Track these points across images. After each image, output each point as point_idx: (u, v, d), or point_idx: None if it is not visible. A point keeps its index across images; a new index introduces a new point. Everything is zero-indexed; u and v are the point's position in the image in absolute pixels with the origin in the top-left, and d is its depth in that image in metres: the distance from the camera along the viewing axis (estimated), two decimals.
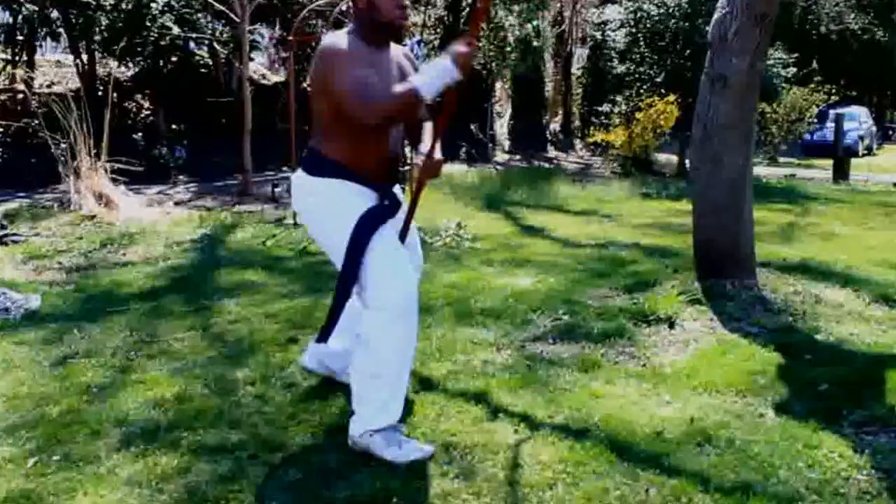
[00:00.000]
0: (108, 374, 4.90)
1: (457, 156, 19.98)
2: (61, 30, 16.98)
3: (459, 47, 3.66)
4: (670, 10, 18.87)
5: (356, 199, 3.92)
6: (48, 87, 17.71)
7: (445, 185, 13.95)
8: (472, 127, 20.37)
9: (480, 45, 20.06)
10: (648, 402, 4.41)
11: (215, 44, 18.72)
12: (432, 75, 3.70)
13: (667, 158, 19.24)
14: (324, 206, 3.97)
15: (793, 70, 20.77)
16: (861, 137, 28.76)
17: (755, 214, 6.75)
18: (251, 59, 14.61)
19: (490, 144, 20.74)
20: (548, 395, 4.51)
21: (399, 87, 3.72)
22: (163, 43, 17.05)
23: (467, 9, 22.32)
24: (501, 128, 24.53)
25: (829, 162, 19.57)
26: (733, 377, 4.68)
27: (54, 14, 16.36)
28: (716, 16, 6.37)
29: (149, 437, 4.05)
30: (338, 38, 3.85)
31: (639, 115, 17.69)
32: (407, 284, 3.86)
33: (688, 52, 18.06)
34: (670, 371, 4.86)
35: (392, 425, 3.83)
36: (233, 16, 13.78)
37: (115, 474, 3.69)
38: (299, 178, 4.04)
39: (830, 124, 22.53)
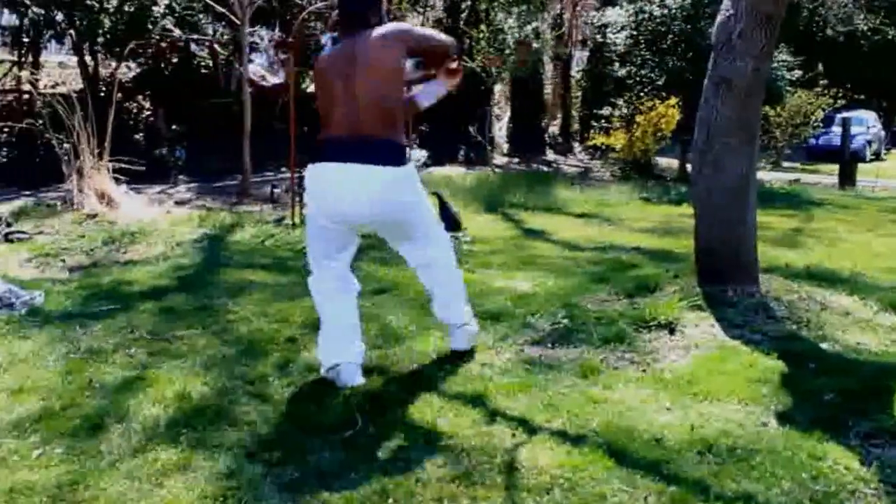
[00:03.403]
0: (110, 371, 4.91)
1: (455, 158, 19.99)
2: (66, 32, 16.99)
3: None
4: (672, 12, 18.83)
5: None
6: (53, 87, 17.71)
7: (444, 188, 13.95)
8: (471, 129, 20.35)
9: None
10: (648, 409, 4.39)
11: (216, 45, 18.74)
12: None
13: (667, 162, 19.25)
14: (420, 189, 4.74)
15: (798, 73, 20.71)
16: (869, 142, 28.54)
17: (759, 219, 6.69)
18: (251, 61, 14.63)
19: (488, 147, 20.71)
20: (546, 399, 4.49)
21: None
22: (164, 45, 17.08)
23: (466, 11, 22.31)
24: (500, 130, 24.51)
25: (836, 167, 19.48)
26: (735, 385, 4.64)
27: (59, 16, 16.38)
28: (720, 17, 6.34)
29: (149, 433, 4.06)
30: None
31: (639, 119, 17.66)
32: None
33: (690, 54, 18.03)
34: (670, 377, 4.83)
35: None
36: (233, 18, 13.80)
37: (115, 468, 3.71)
38: (398, 171, 4.52)
39: (837, 128, 22.40)
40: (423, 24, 22.96)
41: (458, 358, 5.09)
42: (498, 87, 24.57)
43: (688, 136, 13.27)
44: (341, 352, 4.71)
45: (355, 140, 4.46)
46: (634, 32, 19.93)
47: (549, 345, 5.41)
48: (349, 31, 4.59)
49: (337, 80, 4.50)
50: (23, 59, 18.20)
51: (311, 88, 17.19)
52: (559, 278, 7.17)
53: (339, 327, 4.78)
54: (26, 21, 16.81)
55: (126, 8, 16.06)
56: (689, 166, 16.19)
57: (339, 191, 4.48)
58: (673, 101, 17.12)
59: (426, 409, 4.31)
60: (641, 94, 18.39)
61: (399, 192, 4.54)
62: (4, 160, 15.87)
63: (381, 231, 4.92)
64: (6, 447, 3.92)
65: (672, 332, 5.58)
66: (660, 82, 18.69)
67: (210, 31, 18.28)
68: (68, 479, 3.61)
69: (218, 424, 4.17)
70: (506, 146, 23.80)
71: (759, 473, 3.67)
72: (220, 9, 14.42)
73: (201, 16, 17.63)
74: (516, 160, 22.11)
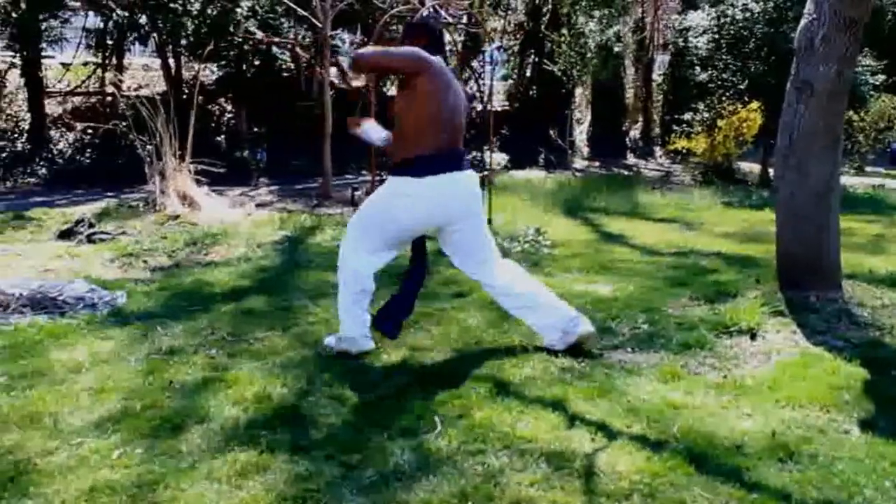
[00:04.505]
0: (191, 372, 4.99)
1: (536, 162, 19.91)
2: (150, 34, 17.32)
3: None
4: (755, 16, 18.54)
5: None
6: (136, 89, 18.04)
7: (524, 191, 13.92)
8: (552, 133, 20.25)
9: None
10: (729, 415, 4.35)
11: (297, 48, 18.91)
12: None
13: (749, 167, 18.92)
14: None
15: (882, 77, 20.26)
16: None
17: (841, 225, 6.60)
18: (332, 64, 14.71)
19: (569, 151, 20.59)
20: (626, 404, 4.48)
21: None
22: (246, 47, 17.29)
23: (547, 14, 22.23)
24: (581, 134, 24.36)
25: None
26: (817, 391, 4.58)
27: (143, 19, 16.68)
28: (803, 22, 6.26)
29: (228, 434, 4.12)
30: None
31: (721, 123, 17.43)
32: None
33: (772, 58, 17.74)
34: (751, 383, 4.78)
35: None
36: (315, 21, 13.90)
37: (195, 469, 3.76)
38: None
39: None
40: (504, 28, 22.98)
41: (538, 362, 5.09)
42: (579, 91, 24.42)
43: (770, 140, 13.09)
44: (362, 325, 5.22)
45: (460, 151, 5.17)
46: (716, 36, 19.63)
47: (630, 349, 5.40)
48: (439, 52, 5.18)
49: (454, 97, 5.09)
50: (107, 62, 18.55)
51: (393, 92, 17.29)
52: (639, 283, 7.12)
53: (365, 309, 5.24)
54: (111, 24, 17.15)
55: (209, 11, 16.29)
56: (771, 171, 15.94)
57: (452, 196, 5.10)
58: (755, 105, 16.86)
59: (505, 413, 4.32)
60: (723, 98, 18.13)
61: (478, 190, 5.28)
62: (88, 161, 16.18)
63: (455, 233, 5.25)
64: (87, 446, 4.00)
65: (753, 337, 5.55)
66: (741, 86, 18.40)
67: (292, 34, 18.45)
68: (148, 478, 3.67)
69: (297, 426, 4.22)
70: (586, 150, 23.64)
71: (840, 481, 3.63)
72: (302, 12, 14.54)
73: (283, 19, 17.81)
74: (597, 164, 21.95)
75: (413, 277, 5.38)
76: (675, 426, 4.15)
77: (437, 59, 5.06)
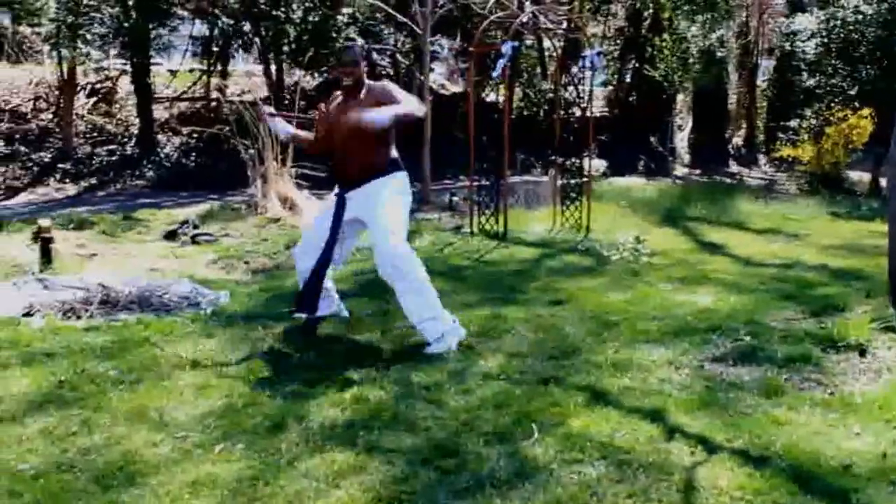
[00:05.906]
0: (290, 372, 5.05)
1: (636, 168, 19.73)
2: (253, 41, 17.63)
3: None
4: (867, 18, 18.05)
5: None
6: (239, 95, 18.37)
7: (623, 198, 13.78)
8: (652, 139, 20.04)
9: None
10: (836, 433, 4.21)
11: (397, 54, 19.04)
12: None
13: (859, 176, 18.44)
14: None
15: None
16: None
17: None
18: (431, 70, 14.75)
19: (670, 158, 20.36)
20: (727, 418, 4.38)
21: None
22: None
23: (648, 19, 22.03)
24: (681, 141, 24.05)
25: None
26: None
27: (247, 27, 17.01)
28: None
29: (326, 435, 4.16)
30: None
31: (829, 130, 17.02)
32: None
33: (885, 63, 17.28)
34: (861, 401, 4.61)
35: None
36: (415, 27, 13.96)
37: (293, 467, 3.81)
38: None
39: None
40: (603, 34, 22.82)
41: (637, 372, 5.03)
42: (680, 97, 24.12)
43: (882, 148, 12.72)
44: (447, 313, 5.61)
45: None
46: (825, 40, 19.20)
47: (731, 362, 5.27)
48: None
49: None
50: (212, 68, 18.97)
51: (492, 98, 17.32)
52: (741, 294, 6.98)
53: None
54: (216, 31, 17.53)
55: (310, 18, 16.52)
56: (882, 180, 15.52)
57: None
58: (866, 111, 16.42)
59: (603, 422, 4.26)
60: (832, 104, 17.71)
61: None
62: (193, 165, 16.54)
63: None
64: (191, 440, 4.09)
65: (863, 353, 5.36)
66: (851, 92, 17.97)
67: (392, 41, 18.61)
68: (248, 474, 3.73)
69: (394, 428, 4.22)
70: (687, 157, 23.33)
71: None
72: (402, 18, 14.64)
73: (383, 25, 17.98)
74: (698, 172, 21.64)
75: (321, 260, 5.71)
76: (779, 443, 4.04)
77: None
